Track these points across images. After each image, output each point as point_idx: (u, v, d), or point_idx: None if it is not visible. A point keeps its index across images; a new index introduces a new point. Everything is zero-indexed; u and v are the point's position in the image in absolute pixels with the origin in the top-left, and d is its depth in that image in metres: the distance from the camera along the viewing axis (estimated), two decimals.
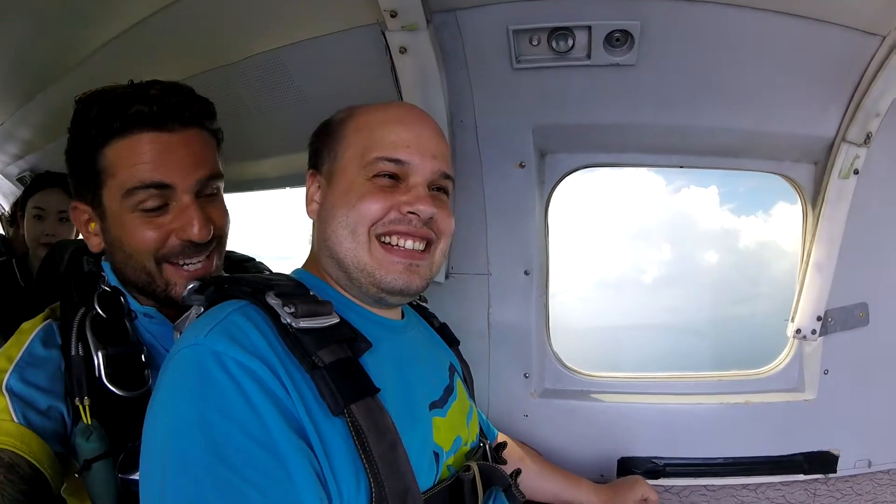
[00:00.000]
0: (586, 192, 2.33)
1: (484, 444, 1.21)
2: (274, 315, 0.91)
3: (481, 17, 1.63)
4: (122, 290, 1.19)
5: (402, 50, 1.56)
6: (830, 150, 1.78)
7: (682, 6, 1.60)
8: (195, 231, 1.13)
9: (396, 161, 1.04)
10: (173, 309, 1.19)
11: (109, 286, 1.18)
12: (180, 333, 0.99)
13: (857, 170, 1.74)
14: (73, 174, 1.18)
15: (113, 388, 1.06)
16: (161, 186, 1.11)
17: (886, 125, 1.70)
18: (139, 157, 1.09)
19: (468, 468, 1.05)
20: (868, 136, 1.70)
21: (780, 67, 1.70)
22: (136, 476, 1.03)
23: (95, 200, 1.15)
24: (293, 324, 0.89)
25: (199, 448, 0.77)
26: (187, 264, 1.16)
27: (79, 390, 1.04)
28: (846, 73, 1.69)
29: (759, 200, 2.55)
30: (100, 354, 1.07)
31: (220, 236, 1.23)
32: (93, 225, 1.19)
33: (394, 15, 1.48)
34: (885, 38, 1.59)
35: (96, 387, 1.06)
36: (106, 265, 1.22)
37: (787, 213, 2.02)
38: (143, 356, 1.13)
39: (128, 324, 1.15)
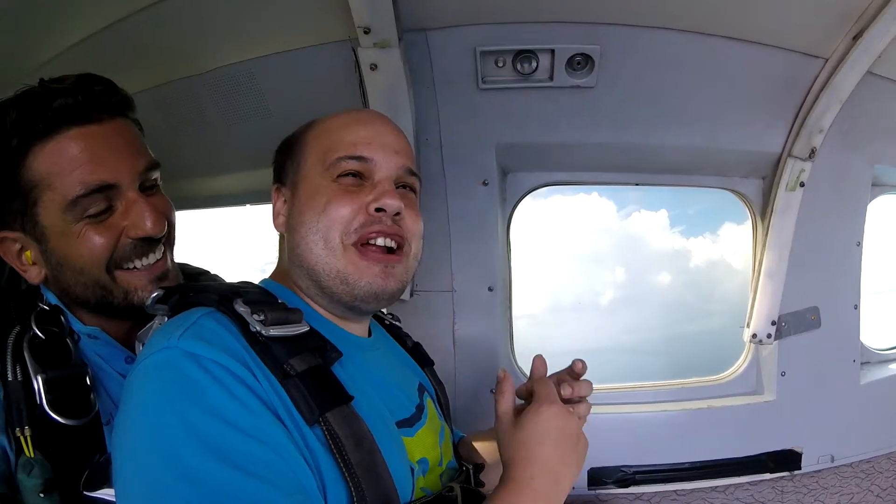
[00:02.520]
0: (540, 219, 2.37)
1: (467, 469, 1.15)
2: (242, 323, 0.85)
3: (450, 38, 1.65)
4: (63, 308, 1.07)
5: (373, 67, 1.54)
6: (777, 164, 1.86)
7: (639, 32, 1.66)
8: (148, 225, 1.04)
9: (359, 158, 1.00)
10: (126, 321, 1.10)
11: (49, 305, 1.06)
12: (142, 344, 0.90)
13: (802, 182, 1.82)
14: None
15: (55, 417, 0.94)
16: (105, 188, 1.01)
17: (829, 140, 1.80)
18: (74, 159, 0.99)
19: (451, 489, 1.00)
20: (812, 150, 1.79)
21: (729, 88, 1.78)
22: (102, 493, 0.93)
23: (28, 222, 1.02)
24: (263, 332, 0.84)
25: (195, 452, 0.71)
26: (144, 263, 1.07)
27: (18, 420, 0.91)
28: (791, 93, 1.78)
29: (707, 222, 2.63)
30: (39, 379, 0.94)
31: (170, 229, 1.14)
32: (27, 254, 1.06)
33: (367, 31, 1.46)
34: (826, 59, 1.70)
35: (38, 415, 0.93)
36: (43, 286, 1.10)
37: (734, 233, 2.09)
38: (87, 379, 1.00)
39: (70, 344, 1.02)
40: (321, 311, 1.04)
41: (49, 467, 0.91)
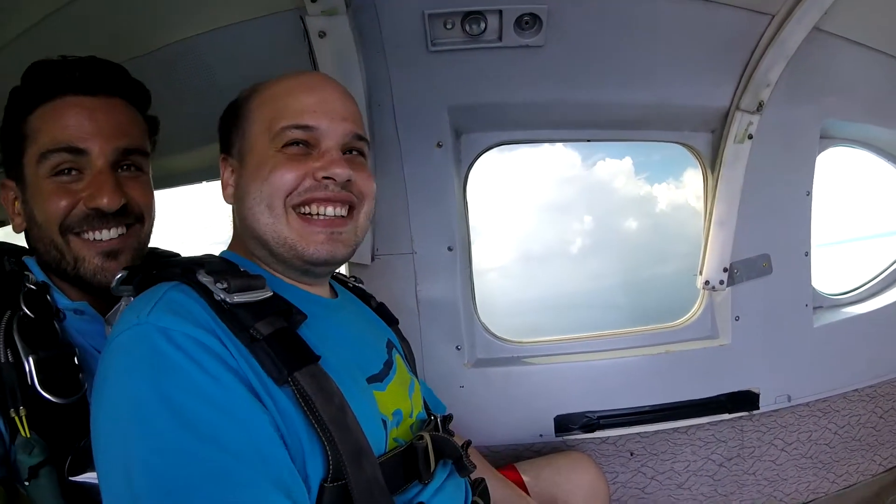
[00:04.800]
0: (507, 172, 2.37)
1: (435, 418, 1.17)
2: (207, 293, 0.86)
3: (398, 2, 1.62)
4: (50, 284, 1.09)
5: (321, 34, 1.52)
6: (726, 118, 1.87)
7: None
8: (104, 200, 1.05)
9: (304, 127, 0.99)
10: (103, 300, 1.10)
11: (35, 283, 1.06)
12: (111, 326, 0.91)
13: (751, 135, 1.84)
14: (3, 149, 1.13)
15: (47, 396, 0.95)
16: (75, 151, 1.05)
17: (777, 95, 1.81)
18: (60, 120, 1.05)
19: (421, 437, 1.02)
20: (760, 104, 1.81)
21: (678, 45, 1.78)
22: (87, 477, 0.94)
23: (19, 173, 1.09)
24: (227, 299, 0.85)
25: (170, 427, 0.73)
26: (95, 237, 1.09)
27: (13, 401, 0.92)
28: (739, 49, 1.79)
29: (670, 168, 2.67)
30: (30, 360, 0.95)
31: (141, 216, 1.15)
32: (16, 203, 1.13)
33: None
34: (773, 16, 1.71)
35: (30, 395, 0.94)
36: (30, 261, 1.13)
37: (698, 179, 2.10)
38: (75, 359, 1.02)
39: (56, 325, 1.03)
40: (282, 276, 1.05)
41: (46, 446, 0.93)
